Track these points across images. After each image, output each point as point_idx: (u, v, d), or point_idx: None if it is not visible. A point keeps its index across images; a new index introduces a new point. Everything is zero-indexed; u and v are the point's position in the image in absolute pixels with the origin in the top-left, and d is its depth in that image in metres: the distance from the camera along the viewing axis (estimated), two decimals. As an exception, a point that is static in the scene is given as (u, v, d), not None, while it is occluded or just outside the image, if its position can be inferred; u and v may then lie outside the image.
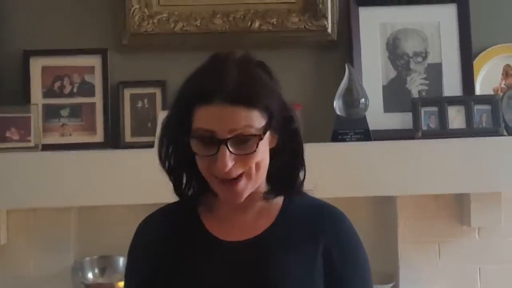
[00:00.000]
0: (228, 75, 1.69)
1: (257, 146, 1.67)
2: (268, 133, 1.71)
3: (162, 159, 1.82)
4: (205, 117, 1.66)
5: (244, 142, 1.67)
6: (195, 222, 1.81)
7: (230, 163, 1.66)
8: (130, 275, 1.90)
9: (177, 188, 1.84)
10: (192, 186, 1.83)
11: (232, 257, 1.74)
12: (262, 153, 1.71)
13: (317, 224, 1.81)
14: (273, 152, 1.76)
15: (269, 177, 1.80)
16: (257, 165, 1.70)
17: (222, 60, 1.77)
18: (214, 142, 1.66)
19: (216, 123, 1.65)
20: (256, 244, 1.76)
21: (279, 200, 1.84)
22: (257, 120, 1.67)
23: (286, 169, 1.80)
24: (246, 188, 1.71)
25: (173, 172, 1.83)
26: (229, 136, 1.65)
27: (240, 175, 1.69)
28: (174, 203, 1.88)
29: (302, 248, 1.77)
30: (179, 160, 1.80)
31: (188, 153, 1.72)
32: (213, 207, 1.82)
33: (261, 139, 1.67)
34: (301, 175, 1.82)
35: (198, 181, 1.80)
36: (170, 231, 1.83)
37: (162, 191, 2.85)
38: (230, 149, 1.65)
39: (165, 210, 1.92)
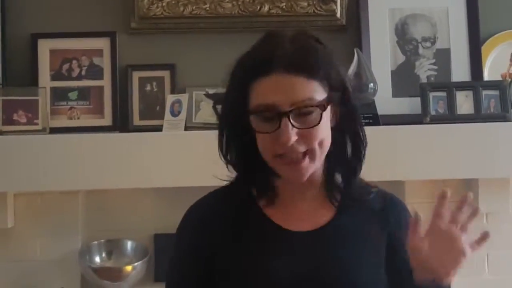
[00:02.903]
0: (284, 46, 1.63)
1: (320, 118, 1.61)
2: (329, 108, 1.65)
3: (223, 152, 1.74)
4: (264, 90, 1.61)
5: (306, 115, 1.60)
6: (254, 210, 1.73)
7: (293, 137, 1.59)
8: (178, 263, 1.81)
9: (240, 177, 1.75)
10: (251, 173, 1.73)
11: (301, 248, 1.68)
12: (325, 129, 1.64)
13: (381, 213, 1.77)
14: (333, 132, 1.69)
15: (328, 159, 1.72)
16: (320, 143, 1.63)
17: (276, 35, 1.69)
18: (275, 117, 1.59)
19: (276, 95, 1.59)
20: (325, 235, 1.71)
21: (338, 185, 1.76)
22: (318, 91, 1.62)
23: (346, 151, 1.72)
24: (309, 167, 1.64)
25: (235, 165, 1.74)
26: (290, 108, 1.58)
27: (304, 155, 1.63)
28: (223, 188, 1.79)
29: (369, 238, 1.73)
30: (240, 152, 1.72)
31: (249, 142, 1.67)
32: (273, 193, 1.74)
33: (324, 109, 1.62)
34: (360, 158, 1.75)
35: (257, 168, 1.71)
36: (226, 220, 1.73)
37: (170, 175, 2.88)
38: (293, 123, 1.59)
39: (217, 196, 1.81)
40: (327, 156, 1.70)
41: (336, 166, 1.74)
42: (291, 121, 1.59)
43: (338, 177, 1.76)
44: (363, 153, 1.75)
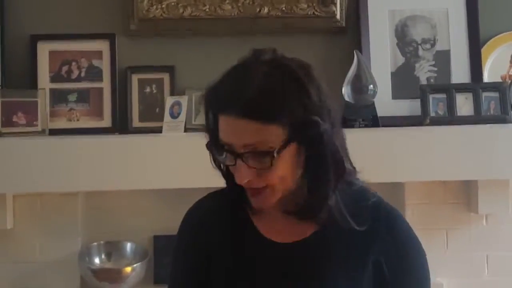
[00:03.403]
0: (249, 85, 1.58)
1: (272, 162, 1.58)
2: (294, 145, 1.60)
3: (214, 163, 1.73)
4: (223, 128, 1.60)
5: (261, 157, 1.58)
6: (243, 218, 1.75)
7: (248, 176, 1.60)
8: (178, 261, 1.86)
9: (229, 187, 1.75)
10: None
11: (282, 260, 1.69)
12: (284, 167, 1.61)
13: (371, 226, 1.69)
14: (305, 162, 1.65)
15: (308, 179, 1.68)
16: (282, 179, 1.62)
17: (250, 65, 1.63)
18: (232, 153, 1.60)
19: (231, 136, 1.59)
20: (304, 248, 1.69)
21: (321, 204, 1.69)
22: (274, 134, 1.57)
23: (321, 178, 1.65)
24: (272, 196, 1.64)
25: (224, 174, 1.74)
26: (243, 150, 1.58)
27: (265, 186, 1.62)
28: (222, 190, 1.80)
29: (352, 253, 1.69)
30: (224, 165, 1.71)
31: None
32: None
33: (274, 156, 1.57)
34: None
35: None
36: (219, 224, 1.77)
37: (169, 177, 2.88)
38: (247, 163, 1.59)
39: (215, 199, 1.83)
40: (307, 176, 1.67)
41: (315, 188, 1.67)
42: (245, 162, 1.58)
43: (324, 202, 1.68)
44: (334, 179, 1.66)
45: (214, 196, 1.85)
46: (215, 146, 1.65)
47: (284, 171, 1.61)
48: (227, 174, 1.72)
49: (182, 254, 1.84)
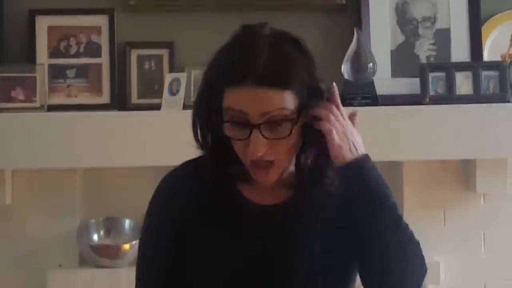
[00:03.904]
0: (259, 54, 1.58)
1: (291, 131, 1.59)
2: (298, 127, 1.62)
3: (198, 140, 1.72)
4: (236, 99, 1.58)
5: (277, 126, 1.59)
6: (225, 182, 1.73)
7: (263, 149, 1.59)
8: (151, 230, 1.81)
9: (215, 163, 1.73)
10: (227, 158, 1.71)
11: (261, 222, 1.71)
12: (296, 136, 1.62)
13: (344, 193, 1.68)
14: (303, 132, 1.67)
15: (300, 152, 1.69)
16: (289, 151, 1.64)
17: (252, 36, 1.64)
18: (246, 125, 1.58)
19: (248, 106, 1.57)
20: (282, 209, 1.72)
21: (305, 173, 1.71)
22: (291, 101, 1.59)
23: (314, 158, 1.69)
24: (276, 172, 1.64)
25: (209, 151, 1.72)
26: (261, 120, 1.57)
27: (272, 162, 1.62)
28: (197, 159, 1.78)
29: (330, 217, 1.71)
30: (214, 139, 1.70)
31: (222, 133, 1.65)
32: (245, 170, 1.70)
33: (296, 122, 1.60)
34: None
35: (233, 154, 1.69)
36: (199, 189, 1.73)
37: (168, 154, 2.87)
38: (263, 133, 1.58)
39: (191, 167, 1.80)
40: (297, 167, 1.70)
41: (306, 161, 1.70)
42: (262, 132, 1.58)
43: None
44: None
45: (188, 165, 1.82)
46: (217, 122, 1.63)
47: (291, 144, 1.63)
48: (212, 149, 1.70)
49: (153, 226, 1.80)
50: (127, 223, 3.17)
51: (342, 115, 1.68)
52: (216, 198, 1.73)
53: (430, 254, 3.04)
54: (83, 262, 3.14)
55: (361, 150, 1.67)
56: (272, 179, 1.65)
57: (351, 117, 1.74)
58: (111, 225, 3.18)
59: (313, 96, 1.63)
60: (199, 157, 1.76)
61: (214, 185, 1.73)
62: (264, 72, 1.56)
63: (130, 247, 3.03)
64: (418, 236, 1.69)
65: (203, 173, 1.73)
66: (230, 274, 1.69)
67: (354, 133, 1.68)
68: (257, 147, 1.58)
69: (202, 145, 1.72)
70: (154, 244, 1.79)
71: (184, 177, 1.80)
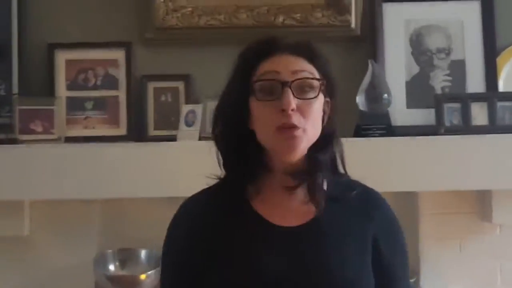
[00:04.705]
0: (287, 38, 1.82)
1: (318, 94, 1.74)
2: (322, 100, 1.78)
3: (217, 139, 1.85)
4: (269, 64, 1.76)
5: (306, 89, 1.74)
6: (243, 205, 1.80)
7: (293, 104, 1.70)
8: (169, 260, 1.87)
9: (228, 167, 1.85)
10: (243, 165, 1.82)
11: (289, 243, 1.75)
12: (318, 111, 1.77)
13: (364, 210, 1.85)
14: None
15: (311, 157, 1.81)
16: (313, 124, 1.75)
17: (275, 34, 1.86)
18: (277, 87, 1.72)
19: (280, 66, 1.74)
20: (312, 229, 1.77)
21: (320, 184, 1.83)
22: (316, 74, 1.77)
23: (325, 146, 1.83)
24: (301, 140, 1.73)
25: (225, 152, 1.84)
26: (292, 79, 1.72)
27: (299, 129, 1.72)
28: (215, 185, 1.87)
29: (352, 234, 1.80)
30: (232, 139, 1.82)
31: (242, 130, 1.79)
32: (263, 190, 1.81)
33: (322, 87, 1.75)
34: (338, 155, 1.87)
35: (249, 161, 1.81)
36: (218, 213, 1.80)
37: (184, 184, 2.87)
38: (294, 92, 1.71)
39: (207, 193, 1.89)
40: (311, 155, 1.79)
41: (317, 156, 1.80)
42: (292, 91, 1.71)
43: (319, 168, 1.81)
44: (330, 148, 1.85)
45: (207, 191, 1.89)
46: (256, 82, 1.76)
47: (317, 115, 1.76)
48: (234, 160, 1.81)
49: (174, 251, 1.86)
50: (143, 253, 3.17)
51: None
52: (233, 220, 1.79)
53: (446, 284, 3.04)
54: (100, 292, 3.14)
55: None
56: (298, 147, 1.73)
57: None
58: (127, 256, 3.17)
59: (330, 84, 1.82)
60: (214, 184, 1.86)
61: (231, 207, 1.80)
62: (294, 45, 1.79)
63: (146, 278, 3.03)
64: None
65: (219, 198, 1.82)
66: None
67: None
68: (289, 101, 1.70)
69: (218, 144, 1.84)
70: (174, 269, 1.84)
71: (201, 202, 1.88)
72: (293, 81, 1.72)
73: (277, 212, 1.79)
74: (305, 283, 1.71)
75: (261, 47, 1.80)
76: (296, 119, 1.71)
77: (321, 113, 1.78)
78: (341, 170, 1.87)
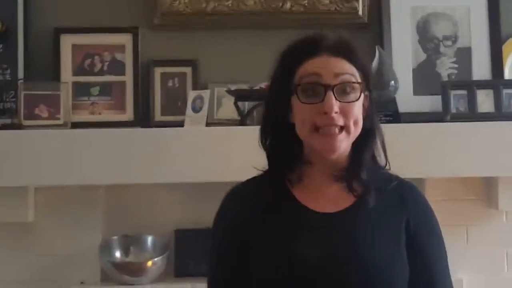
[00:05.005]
0: (329, 37, 1.83)
1: (359, 96, 1.77)
2: (362, 99, 1.80)
3: (261, 132, 1.89)
4: (311, 65, 1.78)
5: (347, 91, 1.76)
6: (285, 193, 1.85)
7: (336, 108, 1.74)
8: (217, 248, 1.91)
9: (271, 158, 1.89)
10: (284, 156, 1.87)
11: (325, 228, 1.79)
12: (359, 110, 1.79)
13: (399, 200, 1.87)
14: None
15: (354, 148, 1.85)
16: (355, 122, 1.78)
17: (318, 31, 1.88)
18: (320, 90, 1.75)
19: (322, 68, 1.76)
20: (347, 216, 1.81)
21: (360, 174, 1.87)
22: (357, 75, 1.79)
23: (369, 143, 1.86)
24: (344, 141, 1.77)
25: (268, 143, 1.89)
26: (334, 82, 1.75)
27: (340, 130, 1.76)
28: (258, 176, 1.91)
29: (389, 223, 1.83)
30: (275, 133, 1.87)
31: (284, 124, 1.83)
32: (303, 178, 1.86)
33: (363, 90, 1.78)
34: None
35: (291, 154, 1.86)
36: (260, 202, 1.85)
37: (190, 170, 2.89)
38: (336, 96, 1.74)
39: (252, 182, 1.93)
40: (353, 145, 1.84)
41: (360, 155, 1.85)
42: (334, 94, 1.74)
43: (362, 167, 1.85)
44: (374, 145, 1.88)
45: (251, 181, 1.93)
46: (299, 85, 1.78)
47: (359, 114, 1.79)
48: (276, 152, 1.86)
49: (221, 239, 1.89)
50: (149, 240, 3.17)
51: None
52: (274, 206, 1.83)
53: (453, 271, 3.02)
54: (105, 279, 3.13)
55: None
56: (338, 146, 1.77)
57: None
58: (133, 242, 3.18)
59: (369, 85, 1.84)
60: (259, 174, 1.91)
61: (273, 194, 1.85)
62: (334, 46, 1.80)
63: (152, 264, 3.04)
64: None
65: (262, 186, 1.87)
66: (290, 281, 1.75)
67: None
68: (331, 104, 1.74)
69: (264, 142, 1.89)
70: (219, 257, 1.89)
71: (245, 190, 1.93)
72: (335, 85, 1.75)
73: (315, 199, 1.83)
74: (336, 268, 1.74)
75: (302, 47, 1.82)
76: (338, 120, 1.75)
77: (361, 110, 1.81)
78: (382, 160, 1.91)
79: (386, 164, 1.91)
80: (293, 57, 1.82)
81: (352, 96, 1.76)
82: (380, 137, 1.89)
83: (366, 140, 1.85)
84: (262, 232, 1.81)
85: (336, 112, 1.74)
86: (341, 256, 1.75)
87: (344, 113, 1.75)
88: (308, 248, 1.75)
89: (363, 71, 1.82)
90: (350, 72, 1.78)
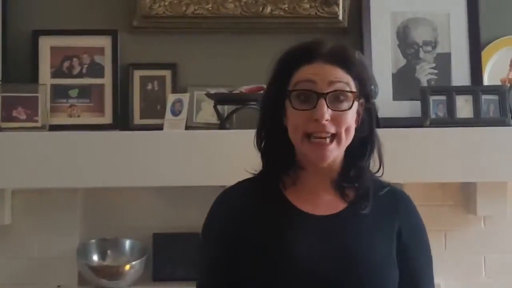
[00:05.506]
0: (325, 43, 1.85)
1: (352, 105, 1.79)
2: (356, 106, 1.82)
3: (258, 141, 1.93)
4: (306, 72, 1.81)
5: (340, 99, 1.79)
6: (279, 196, 1.87)
7: (327, 115, 1.76)
8: (207, 251, 1.92)
9: (264, 160, 1.92)
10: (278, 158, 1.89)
11: (319, 230, 1.82)
12: (352, 118, 1.82)
13: (392, 206, 1.92)
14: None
15: (346, 154, 1.88)
16: (347, 130, 1.81)
17: (316, 38, 1.91)
18: (312, 97, 1.78)
19: (316, 76, 1.79)
20: (341, 219, 1.84)
21: (352, 180, 1.90)
22: (352, 84, 1.81)
23: (363, 149, 1.90)
24: (334, 150, 1.80)
25: (262, 145, 1.92)
26: (328, 90, 1.77)
27: (331, 139, 1.79)
28: (253, 177, 1.94)
29: (381, 225, 1.86)
30: (268, 135, 1.91)
31: (278, 128, 1.86)
32: (297, 182, 1.89)
33: (356, 98, 1.80)
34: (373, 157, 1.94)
35: (284, 157, 1.89)
36: (253, 205, 1.87)
37: (169, 174, 2.88)
38: (328, 104, 1.77)
39: (244, 184, 1.95)
40: (346, 151, 1.87)
41: (353, 161, 1.88)
42: (327, 102, 1.77)
43: (354, 174, 1.89)
44: (371, 153, 1.93)
45: (243, 184, 1.95)
46: (292, 91, 1.81)
47: (351, 122, 1.82)
48: (270, 154, 1.89)
49: (211, 241, 1.91)
50: (127, 243, 3.16)
51: None
52: (267, 208, 1.86)
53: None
54: (83, 282, 3.11)
55: None
56: (328, 156, 1.80)
57: None
58: (111, 246, 3.17)
59: (365, 94, 1.87)
60: (253, 176, 1.94)
61: (266, 196, 1.88)
62: (330, 54, 1.82)
63: (130, 268, 3.02)
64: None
65: (255, 187, 1.90)
66: (284, 283, 1.77)
67: None
68: (323, 112, 1.76)
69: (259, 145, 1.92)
70: (211, 257, 1.91)
71: (238, 191, 1.95)
72: (328, 93, 1.77)
73: (309, 202, 1.86)
74: (332, 269, 1.76)
75: (299, 53, 1.85)
76: (329, 128, 1.78)
77: (354, 117, 1.83)
78: (376, 166, 1.95)
79: (378, 171, 1.94)
80: (289, 62, 1.85)
81: (345, 105, 1.79)
82: (378, 145, 1.92)
83: (360, 148, 1.89)
84: (255, 234, 1.82)
85: (327, 120, 1.76)
86: (334, 258, 1.77)
87: (336, 121, 1.78)
88: (301, 250, 1.77)
89: (359, 79, 1.84)
90: (344, 80, 1.80)
